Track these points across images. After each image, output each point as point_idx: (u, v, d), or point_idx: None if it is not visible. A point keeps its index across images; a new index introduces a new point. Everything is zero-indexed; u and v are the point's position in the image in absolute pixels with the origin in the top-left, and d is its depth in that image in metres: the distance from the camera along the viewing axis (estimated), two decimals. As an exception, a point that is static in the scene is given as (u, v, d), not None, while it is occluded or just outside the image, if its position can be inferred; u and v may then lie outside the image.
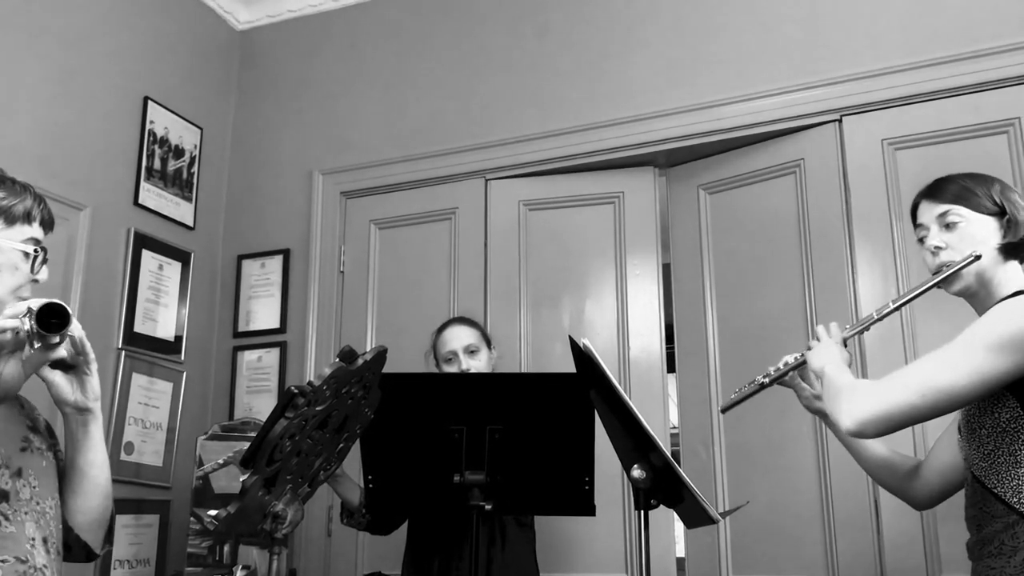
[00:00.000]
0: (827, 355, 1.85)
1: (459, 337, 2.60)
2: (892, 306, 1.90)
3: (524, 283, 3.16)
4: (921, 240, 1.85)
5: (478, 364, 2.56)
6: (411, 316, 3.23)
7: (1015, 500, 1.61)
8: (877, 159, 2.74)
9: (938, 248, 1.79)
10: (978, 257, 1.73)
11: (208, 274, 3.52)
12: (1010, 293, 1.70)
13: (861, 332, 1.97)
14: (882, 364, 2.56)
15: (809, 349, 1.93)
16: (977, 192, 1.78)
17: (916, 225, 1.87)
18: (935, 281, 1.79)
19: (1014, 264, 1.78)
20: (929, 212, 1.82)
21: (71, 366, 1.51)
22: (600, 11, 3.22)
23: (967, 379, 1.58)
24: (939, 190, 1.82)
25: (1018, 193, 1.81)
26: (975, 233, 1.76)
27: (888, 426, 1.64)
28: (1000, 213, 1.77)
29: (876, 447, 2.01)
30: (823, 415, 2.06)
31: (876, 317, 1.92)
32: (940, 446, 1.97)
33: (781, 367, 2.00)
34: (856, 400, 1.67)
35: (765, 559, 2.73)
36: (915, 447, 2.46)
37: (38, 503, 1.50)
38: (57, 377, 1.49)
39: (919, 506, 2.03)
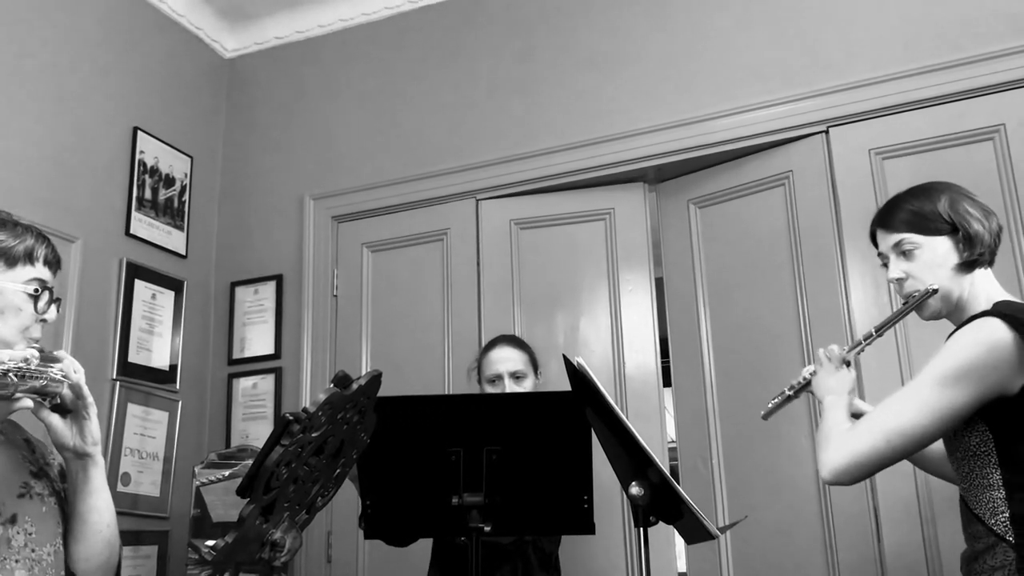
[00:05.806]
0: (827, 385, 1.87)
1: (506, 360, 2.51)
2: (875, 334, 1.90)
3: (517, 302, 3.16)
4: (885, 266, 1.87)
5: (522, 391, 2.46)
6: (405, 338, 3.24)
7: (992, 522, 1.63)
8: (865, 168, 2.76)
9: (900, 280, 1.81)
10: (935, 291, 1.75)
11: (201, 302, 3.51)
12: (976, 312, 1.70)
13: (860, 351, 1.96)
14: (877, 372, 2.57)
15: (815, 372, 1.94)
16: (926, 214, 1.77)
17: (878, 252, 1.88)
18: (907, 311, 1.81)
19: (980, 274, 1.78)
20: (885, 242, 1.84)
21: (70, 410, 1.51)
22: (585, 29, 3.24)
23: (927, 418, 1.61)
24: (890, 217, 1.83)
25: (969, 199, 1.80)
26: (930, 259, 1.77)
27: (860, 474, 1.67)
28: (952, 230, 1.76)
29: None
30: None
31: (866, 341, 1.92)
32: None
33: (801, 381, 2.00)
34: (830, 451, 1.70)
35: (767, 571, 2.72)
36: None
37: (33, 550, 1.50)
38: (55, 421, 1.49)
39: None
